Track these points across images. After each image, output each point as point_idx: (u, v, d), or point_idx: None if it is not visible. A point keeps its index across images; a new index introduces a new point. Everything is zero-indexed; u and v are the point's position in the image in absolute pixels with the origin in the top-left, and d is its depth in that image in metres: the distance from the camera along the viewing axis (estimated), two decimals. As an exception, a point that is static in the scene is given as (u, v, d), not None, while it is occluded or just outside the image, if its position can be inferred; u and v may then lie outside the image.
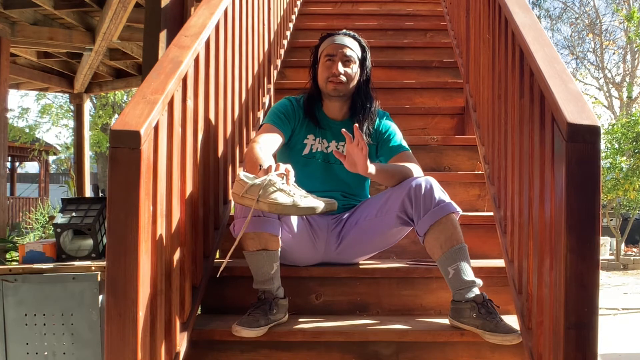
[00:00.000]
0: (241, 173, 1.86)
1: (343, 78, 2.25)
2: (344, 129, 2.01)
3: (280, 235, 1.99)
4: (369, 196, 2.39)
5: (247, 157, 2.09)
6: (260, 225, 1.94)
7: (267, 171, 1.84)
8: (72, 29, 5.87)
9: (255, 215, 1.94)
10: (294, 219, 2.08)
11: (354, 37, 2.33)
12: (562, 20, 20.13)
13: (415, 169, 2.20)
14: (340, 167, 2.24)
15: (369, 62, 2.34)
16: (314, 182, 2.20)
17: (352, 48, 2.29)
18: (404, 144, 2.32)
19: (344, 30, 2.35)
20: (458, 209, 2.03)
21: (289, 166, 1.88)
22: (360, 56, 2.31)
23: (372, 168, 2.04)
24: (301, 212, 1.81)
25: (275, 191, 1.79)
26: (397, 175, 2.13)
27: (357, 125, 2.00)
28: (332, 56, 2.27)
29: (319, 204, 1.83)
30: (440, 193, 2.02)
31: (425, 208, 2.00)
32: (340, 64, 2.26)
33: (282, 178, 1.84)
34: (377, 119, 2.35)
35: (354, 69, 2.29)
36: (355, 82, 2.29)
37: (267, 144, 2.14)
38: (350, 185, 2.30)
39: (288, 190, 1.81)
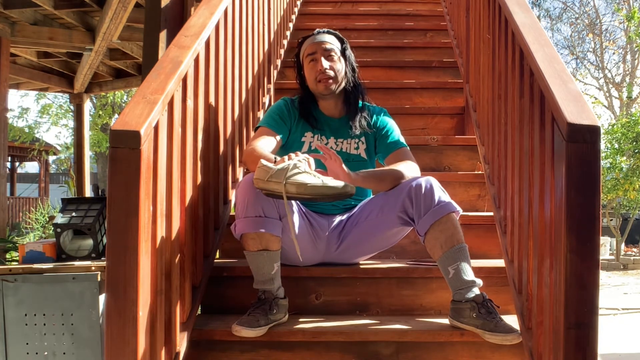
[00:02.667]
0: (263, 160, 1.87)
1: (330, 72, 2.25)
2: (312, 155, 1.98)
3: (281, 236, 2.00)
4: (371, 196, 2.38)
5: (251, 158, 2.08)
6: (262, 225, 1.95)
7: (288, 159, 1.86)
8: (72, 29, 5.87)
9: (257, 216, 1.94)
10: (295, 220, 2.08)
11: (329, 32, 2.34)
12: (562, 20, 20.15)
13: (412, 166, 2.20)
14: None
15: (349, 52, 2.35)
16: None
17: (330, 42, 2.29)
18: (402, 140, 2.32)
19: (317, 30, 2.35)
20: (458, 208, 2.03)
21: (306, 155, 1.91)
22: (340, 48, 2.31)
23: (355, 176, 2.03)
24: (332, 191, 1.80)
25: (301, 173, 1.81)
26: (387, 178, 2.12)
27: (320, 145, 2.03)
28: (313, 54, 2.27)
29: (347, 184, 1.85)
30: (440, 192, 2.02)
31: (426, 207, 2.00)
32: (323, 59, 2.25)
33: (304, 163, 1.87)
34: (375, 115, 2.36)
35: (338, 61, 2.29)
36: (343, 74, 2.30)
37: (266, 147, 2.15)
38: None
39: (314, 174, 1.83)
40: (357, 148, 2.31)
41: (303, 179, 1.80)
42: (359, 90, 2.34)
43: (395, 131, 2.34)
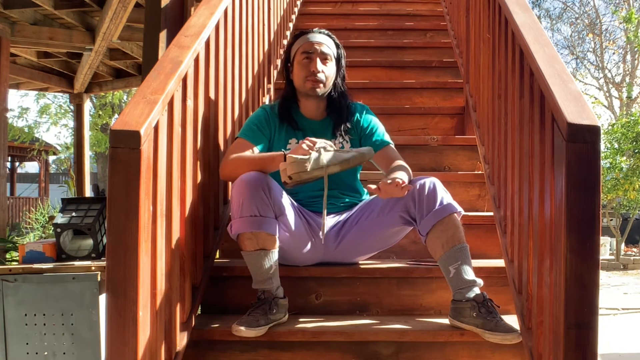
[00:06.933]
0: (289, 156, 1.91)
1: (322, 76, 2.24)
2: (370, 185, 1.95)
3: (277, 235, 2.00)
4: (365, 190, 2.37)
5: (243, 162, 2.07)
6: (257, 225, 1.95)
7: (307, 147, 1.93)
8: (72, 29, 5.87)
9: (253, 215, 1.94)
10: (291, 218, 2.08)
11: (328, 35, 2.32)
12: (562, 20, 20.15)
13: (407, 167, 2.20)
14: None
15: (344, 60, 2.34)
16: (307, 184, 2.18)
17: (329, 45, 2.28)
18: (387, 138, 2.32)
19: (317, 28, 2.33)
20: (460, 209, 2.03)
21: (319, 139, 1.98)
22: (335, 54, 2.30)
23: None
24: (366, 156, 1.99)
25: (332, 152, 1.94)
26: (410, 177, 2.13)
27: (400, 183, 1.91)
28: (309, 53, 2.25)
29: (367, 149, 2.03)
30: (443, 193, 2.03)
31: (428, 208, 2.00)
32: (318, 61, 2.24)
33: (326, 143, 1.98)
34: (357, 113, 2.34)
35: (331, 67, 2.28)
36: (332, 81, 2.29)
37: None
38: (344, 181, 2.28)
39: (340, 150, 1.97)
40: (342, 148, 2.29)
41: (341, 156, 1.94)
42: (344, 98, 2.32)
43: (380, 129, 2.33)
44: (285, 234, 2.07)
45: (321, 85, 2.25)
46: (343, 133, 2.28)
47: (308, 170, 1.87)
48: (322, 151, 1.91)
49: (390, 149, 2.28)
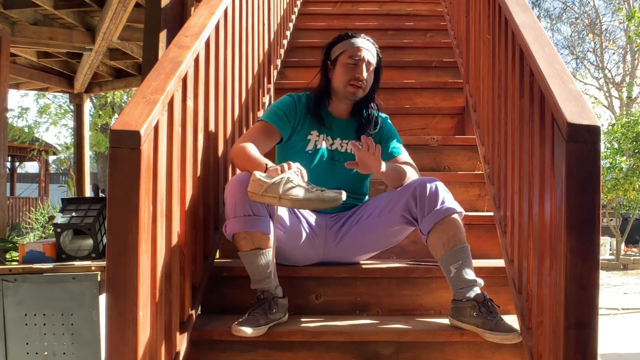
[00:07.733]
0: (256, 173, 1.88)
1: (364, 84, 2.27)
2: (352, 141, 2.03)
3: (274, 234, 2.00)
4: (368, 195, 2.39)
5: (243, 156, 2.08)
6: (251, 224, 1.95)
7: (281, 170, 1.88)
8: (72, 29, 5.87)
9: (247, 215, 1.95)
10: (285, 217, 2.09)
11: (373, 44, 2.34)
12: (562, 20, 20.16)
13: (413, 172, 2.23)
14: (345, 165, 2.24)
15: (382, 70, 2.37)
16: (318, 179, 2.18)
17: (373, 54, 2.31)
18: (400, 148, 2.37)
19: (363, 34, 2.35)
20: (461, 209, 2.03)
21: (299, 164, 1.93)
22: (375, 64, 2.33)
23: (384, 167, 2.09)
24: (324, 204, 1.85)
25: (294, 187, 1.84)
26: (402, 174, 2.17)
27: (364, 136, 2.07)
28: (357, 59, 2.26)
29: (339, 194, 1.88)
30: (445, 194, 2.03)
31: (430, 208, 2.01)
32: (364, 68, 2.26)
33: (297, 175, 1.89)
34: (381, 122, 2.38)
35: (372, 75, 2.31)
36: (369, 89, 2.32)
37: (259, 145, 2.14)
38: (353, 182, 2.31)
39: (306, 186, 1.86)
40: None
41: (297, 194, 1.83)
42: (373, 104, 2.36)
43: (395, 139, 2.37)
44: (280, 232, 2.07)
45: (361, 91, 2.28)
46: (365, 135, 2.30)
47: (260, 194, 1.84)
48: (283, 180, 1.85)
49: (403, 158, 2.32)
